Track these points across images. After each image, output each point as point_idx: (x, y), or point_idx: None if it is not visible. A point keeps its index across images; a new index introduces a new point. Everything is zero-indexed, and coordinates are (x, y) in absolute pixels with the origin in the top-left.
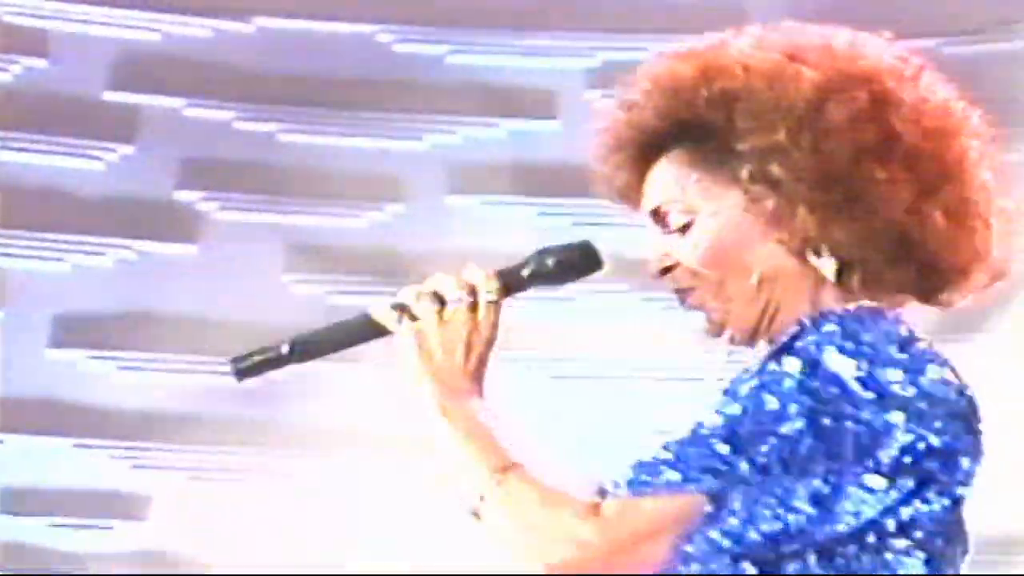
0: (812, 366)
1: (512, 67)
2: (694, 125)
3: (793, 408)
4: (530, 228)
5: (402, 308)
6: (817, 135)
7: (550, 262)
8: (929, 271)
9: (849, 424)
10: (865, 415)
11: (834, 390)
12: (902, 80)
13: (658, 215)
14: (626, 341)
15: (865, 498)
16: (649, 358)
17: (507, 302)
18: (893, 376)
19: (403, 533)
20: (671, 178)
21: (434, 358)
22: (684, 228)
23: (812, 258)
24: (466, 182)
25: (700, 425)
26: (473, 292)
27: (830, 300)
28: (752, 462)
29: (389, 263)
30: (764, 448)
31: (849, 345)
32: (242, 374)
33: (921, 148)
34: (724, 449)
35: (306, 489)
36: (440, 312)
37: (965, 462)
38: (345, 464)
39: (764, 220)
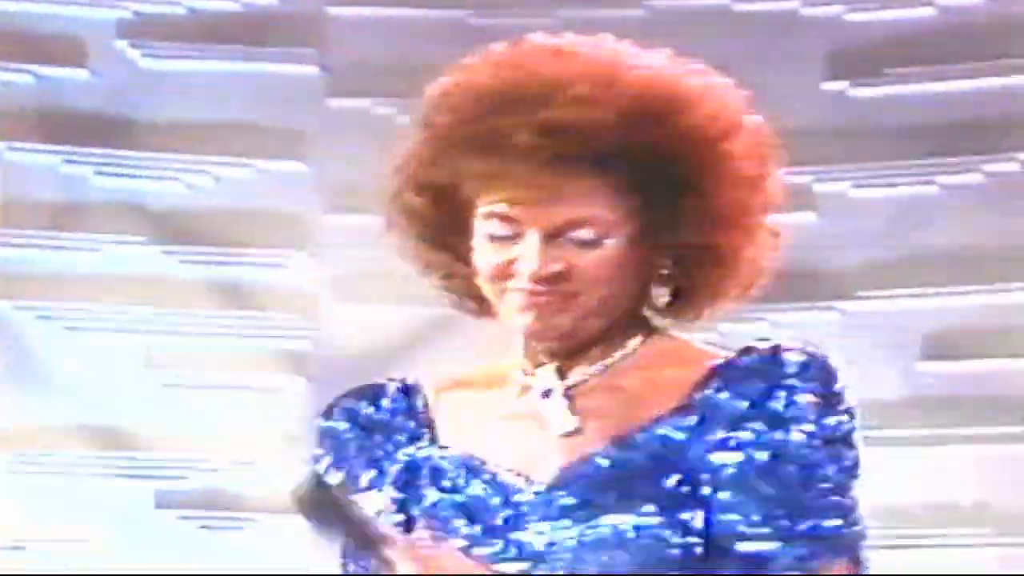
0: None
1: (42, 14)
2: (650, 156)
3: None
4: (54, 176)
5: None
6: (760, 195)
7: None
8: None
9: None
10: None
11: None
12: None
13: (566, 223)
14: (144, 292)
15: None
16: (165, 310)
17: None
18: None
19: None
20: (601, 197)
21: None
22: (589, 243)
23: (656, 288)
24: None
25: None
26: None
27: (651, 322)
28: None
29: None
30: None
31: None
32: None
33: None
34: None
35: None
36: None
37: None
38: None
39: (646, 252)
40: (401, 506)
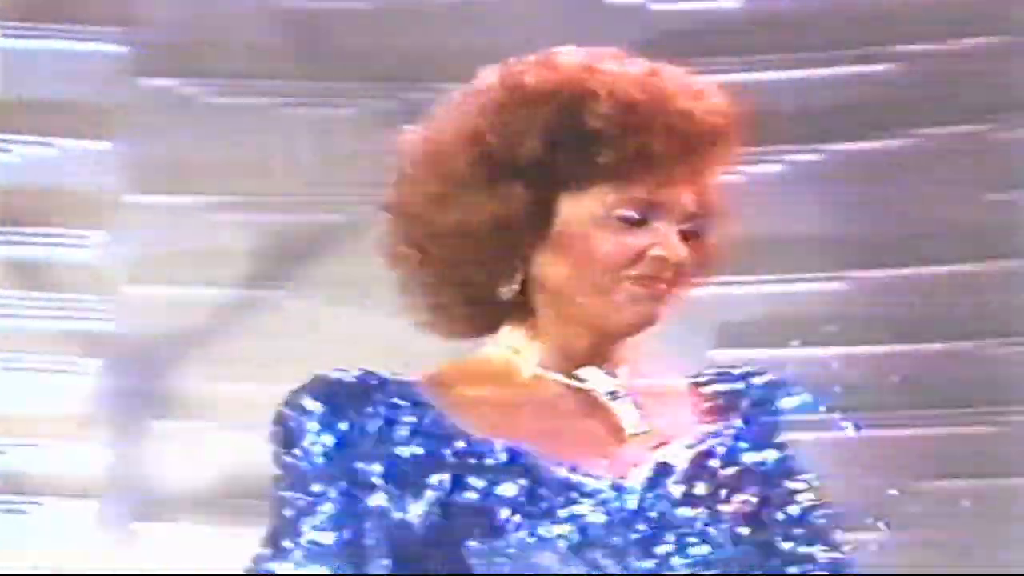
0: None
1: None
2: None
3: None
4: None
5: None
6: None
7: None
8: None
9: None
10: None
11: None
12: None
13: (696, 211)
14: None
15: None
16: None
17: None
18: None
19: None
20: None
21: None
22: (696, 233)
23: None
24: None
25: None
26: None
27: None
28: None
29: None
30: None
31: None
32: None
33: None
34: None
35: None
36: None
37: None
38: None
39: None
40: (448, 497)
